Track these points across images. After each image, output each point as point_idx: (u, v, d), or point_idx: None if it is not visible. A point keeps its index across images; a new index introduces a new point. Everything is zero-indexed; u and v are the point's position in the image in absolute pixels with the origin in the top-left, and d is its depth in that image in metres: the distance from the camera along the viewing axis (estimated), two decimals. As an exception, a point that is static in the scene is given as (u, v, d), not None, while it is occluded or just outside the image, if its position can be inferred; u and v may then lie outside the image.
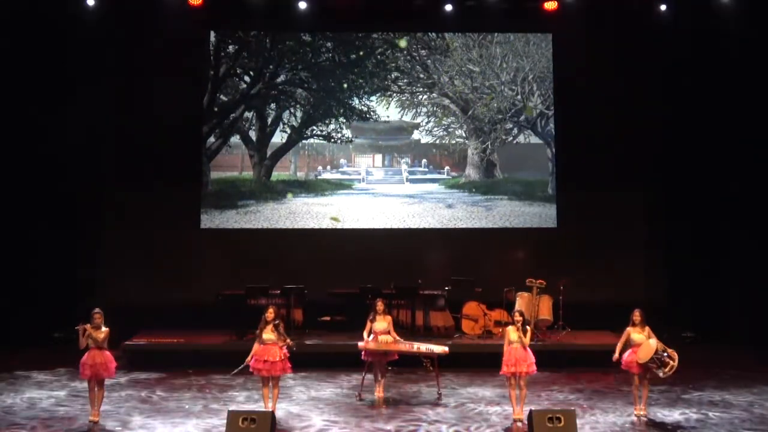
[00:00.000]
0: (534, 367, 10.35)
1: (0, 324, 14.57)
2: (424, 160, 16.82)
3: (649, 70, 16.14)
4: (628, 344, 10.49)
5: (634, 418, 10.40)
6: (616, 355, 10.52)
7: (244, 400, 11.38)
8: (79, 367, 10.17)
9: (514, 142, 16.69)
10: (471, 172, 16.70)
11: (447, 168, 16.77)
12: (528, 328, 10.55)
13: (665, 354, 10.21)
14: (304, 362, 12.50)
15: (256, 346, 10.43)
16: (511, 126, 16.64)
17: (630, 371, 10.46)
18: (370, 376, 11.59)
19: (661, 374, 10.27)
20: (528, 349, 10.36)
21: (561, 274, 14.32)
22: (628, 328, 10.49)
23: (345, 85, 16.62)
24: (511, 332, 10.37)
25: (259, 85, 16.57)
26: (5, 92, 15.10)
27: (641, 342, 10.32)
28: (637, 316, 10.48)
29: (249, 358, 10.42)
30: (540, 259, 15.86)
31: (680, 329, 14.91)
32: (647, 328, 10.45)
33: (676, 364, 10.20)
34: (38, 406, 11.05)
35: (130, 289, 15.42)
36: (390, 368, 11.82)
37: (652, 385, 10.83)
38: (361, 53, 16.62)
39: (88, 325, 10.12)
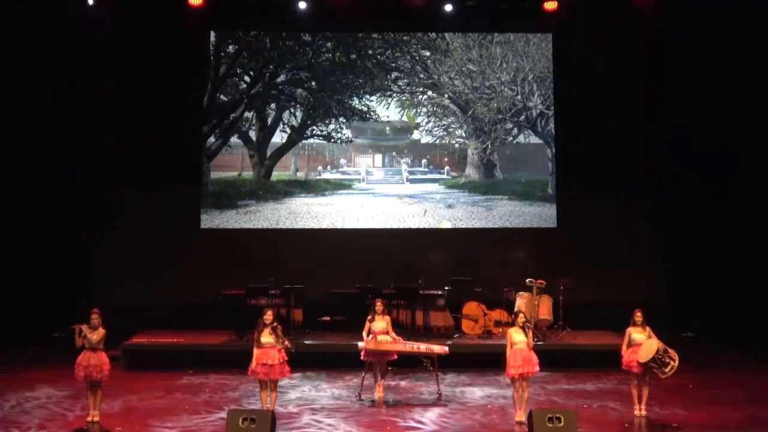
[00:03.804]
0: (537, 368, 10.34)
1: (1, 324, 14.56)
2: (424, 160, 16.82)
3: (650, 70, 16.13)
4: (628, 344, 10.49)
5: (635, 419, 10.39)
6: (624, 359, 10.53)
7: (244, 400, 11.38)
8: (75, 368, 10.17)
9: (514, 142, 16.69)
10: (471, 172, 16.70)
11: (447, 168, 16.77)
12: (529, 328, 10.53)
13: (666, 354, 10.21)
14: (304, 362, 12.55)
15: (255, 350, 10.40)
16: (511, 126, 16.64)
17: (630, 371, 10.45)
18: (369, 376, 11.59)
19: (661, 375, 10.27)
20: (532, 349, 10.35)
21: (561, 274, 14.32)
22: (629, 328, 10.49)
23: (345, 85, 16.61)
24: (515, 334, 10.34)
25: (259, 85, 16.57)
26: (5, 92, 15.09)
27: (642, 342, 10.32)
28: (638, 316, 10.48)
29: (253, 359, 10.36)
30: (540, 259, 15.86)
31: (680, 329, 14.90)
32: (648, 329, 10.45)
33: (676, 364, 10.19)
34: (38, 405, 11.05)
35: (129, 289, 15.43)
36: (390, 368, 11.82)
37: (651, 386, 10.83)
38: (362, 53, 16.62)
39: (84, 325, 10.11)
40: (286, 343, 10.44)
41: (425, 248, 16.13)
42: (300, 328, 14.44)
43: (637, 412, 10.46)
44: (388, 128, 16.73)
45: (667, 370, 10.18)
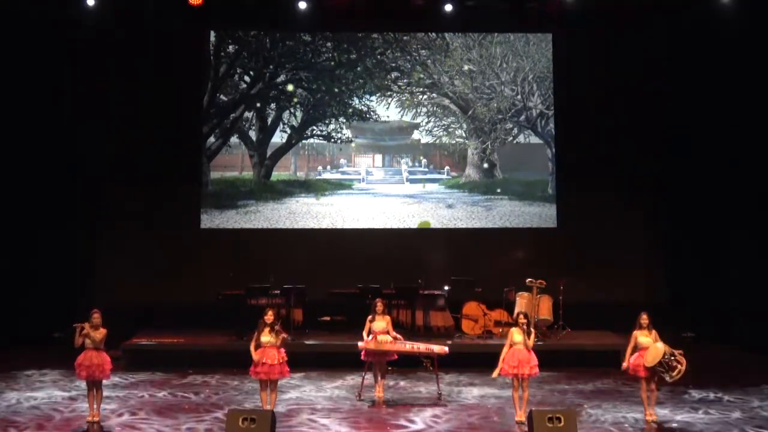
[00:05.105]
0: (536, 369, 10.29)
1: (0, 324, 14.56)
2: (424, 160, 16.82)
3: (649, 70, 16.14)
4: (634, 348, 10.32)
5: (647, 425, 10.26)
6: (625, 364, 10.33)
7: (244, 400, 11.38)
8: (75, 368, 10.17)
9: (514, 142, 16.69)
10: (471, 172, 16.70)
11: (447, 168, 16.78)
12: (533, 330, 10.51)
13: (673, 358, 10.05)
14: (304, 362, 12.56)
15: (254, 350, 10.40)
16: (511, 126, 16.64)
17: (637, 375, 10.28)
18: (369, 376, 11.59)
19: (668, 378, 10.06)
20: (531, 351, 10.33)
21: (561, 274, 14.32)
22: (635, 332, 10.29)
23: (345, 85, 16.61)
24: (515, 334, 10.32)
25: (259, 85, 16.57)
26: (5, 92, 15.09)
27: (648, 345, 10.14)
28: (644, 319, 10.28)
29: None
30: (540, 259, 15.86)
31: (680, 329, 14.89)
32: (654, 332, 10.26)
33: (683, 368, 9.99)
34: (38, 405, 11.04)
35: (130, 289, 15.43)
36: (390, 368, 11.81)
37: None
38: (361, 53, 16.62)
39: (87, 324, 10.12)
40: (283, 335, 10.41)
41: (425, 248, 16.13)
42: (300, 328, 14.45)
43: (648, 417, 10.29)
44: (387, 128, 16.73)
45: (674, 374, 9.99)
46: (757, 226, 15.18)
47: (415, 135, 16.81)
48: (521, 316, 10.51)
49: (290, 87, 16.37)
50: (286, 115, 16.65)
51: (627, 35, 15.97)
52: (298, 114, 16.66)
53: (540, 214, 16.47)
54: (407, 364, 12.11)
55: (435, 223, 16.44)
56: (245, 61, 16.64)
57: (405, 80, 16.70)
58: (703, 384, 12.21)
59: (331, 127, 16.65)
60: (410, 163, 16.83)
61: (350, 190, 16.67)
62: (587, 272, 15.36)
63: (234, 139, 16.54)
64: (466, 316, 14.57)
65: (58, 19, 15.30)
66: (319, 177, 16.69)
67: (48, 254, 15.41)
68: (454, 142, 16.75)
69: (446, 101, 16.70)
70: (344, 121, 16.65)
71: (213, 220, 16.35)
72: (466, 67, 16.53)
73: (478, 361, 12.98)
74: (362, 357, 11.40)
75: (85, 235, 15.86)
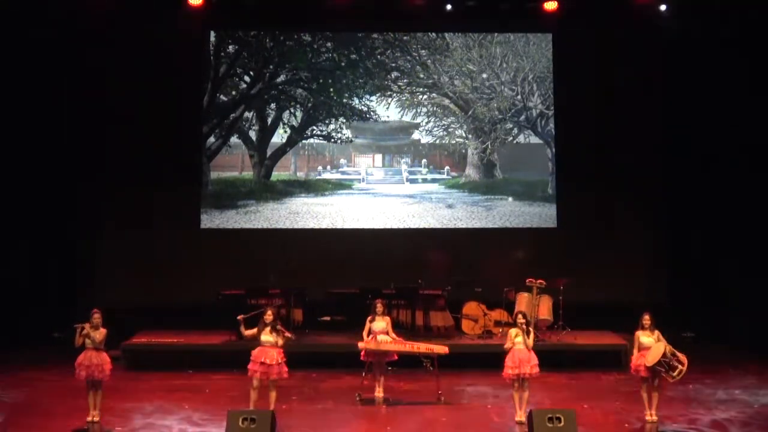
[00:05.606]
0: (537, 369, 10.31)
1: (0, 324, 14.56)
2: (424, 160, 16.82)
3: (650, 70, 16.14)
4: (637, 348, 10.33)
5: (646, 424, 10.24)
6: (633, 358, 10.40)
7: (244, 401, 11.37)
8: (75, 368, 10.16)
9: (514, 142, 16.69)
10: (471, 172, 16.70)
11: (447, 168, 16.78)
12: (531, 330, 10.52)
13: (674, 357, 10.02)
14: (304, 362, 12.55)
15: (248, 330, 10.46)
16: (511, 126, 16.64)
17: (638, 375, 10.28)
18: (370, 376, 11.58)
19: (669, 379, 10.06)
20: (531, 350, 10.33)
21: (561, 274, 14.30)
22: (638, 332, 10.30)
23: (345, 85, 16.61)
24: (515, 334, 10.34)
25: (259, 85, 16.57)
26: (4, 92, 15.08)
27: (650, 345, 10.14)
28: (646, 319, 10.27)
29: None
30: (540, 259, 15.84)
31: (680, 329, 14.90)
32: (657, 332, 10.25)
33: (685, 368, 9.99)
34: (38, 406, 11.05)
35: (129, 289, 15.42)
36: (390, 368, 11.81)
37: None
38: (362, 53, 16.62)
39: (87, 324, 10.13)
40: (287, 334, 10.41)
41: (425, 248, 16.11)
42: (300, 328, 14.44)
43: (648, 418, 10.26)
44: (387, 128, 16.73)
45: (675, 374, 9.98)
46: (757, 226, 15.18)
47: (415, 135, 16.81)
48: (519, 316, 10.52)
49: (285, 117, 16.41)
50: (286, 115, 16.65)
51: (627, 35, 15.96)
52: (298, 114, 16.65)
53: (540, 214, 16.47)
54: (407, 364, 12.10)
55: (435, 223, 16.44)
56: (245, 61, 16.63)
57: (405, 80, 16.70)
58: (702, 384, 12.22)
59: (331, 127, 16.65)
60: (410, 163, 16.83)
61: (350, 190, 16.67)
62: (587, 272, 15.33)
63: (234, 139, 16.54)
64: (466, 316, 14.57)
65: (58, 19, 15.29)
66: (319, 177, 16.69)
67: (48, 254, 15.41)
68: (454, 142, 16.75)
69: (446, 101, 16.70)
70: (344, 121, 16.65)
71: (213, 220, 16.35)
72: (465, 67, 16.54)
73: (478, 361, 13.00)
74: (362, 357, 11.41)
75: (85, 234, 15.86)
